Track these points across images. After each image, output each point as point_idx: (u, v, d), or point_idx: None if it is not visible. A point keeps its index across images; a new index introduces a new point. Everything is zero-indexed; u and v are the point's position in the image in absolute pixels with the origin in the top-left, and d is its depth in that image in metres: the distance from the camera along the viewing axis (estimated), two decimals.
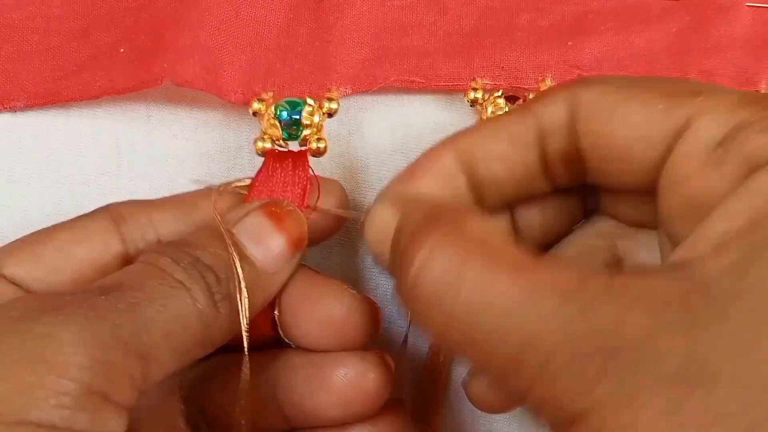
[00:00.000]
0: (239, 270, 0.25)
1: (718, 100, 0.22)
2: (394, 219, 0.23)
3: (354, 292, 0.28)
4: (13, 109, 0.32)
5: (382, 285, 0.33)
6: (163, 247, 0.25)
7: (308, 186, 0.29)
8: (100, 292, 0.23)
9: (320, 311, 0.27)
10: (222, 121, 0.33)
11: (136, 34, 0.31)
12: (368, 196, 0.33)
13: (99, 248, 0.26)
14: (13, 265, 0.25)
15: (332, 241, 0.33)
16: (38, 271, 0.25)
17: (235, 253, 0.25)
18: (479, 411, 0.32)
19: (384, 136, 0.33)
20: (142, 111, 0.33)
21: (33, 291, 0.25)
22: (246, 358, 0.26)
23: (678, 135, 0.23)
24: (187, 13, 0.31)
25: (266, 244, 0.26)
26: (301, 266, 0.28)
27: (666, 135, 0.23)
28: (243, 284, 0.25)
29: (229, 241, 0.25)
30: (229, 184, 0.29)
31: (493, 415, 0.33)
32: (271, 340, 0.28)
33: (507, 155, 0.26)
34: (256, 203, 0.27)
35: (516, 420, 0.33)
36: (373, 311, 0.28)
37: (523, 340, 0.19)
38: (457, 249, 0.21)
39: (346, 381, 0.27)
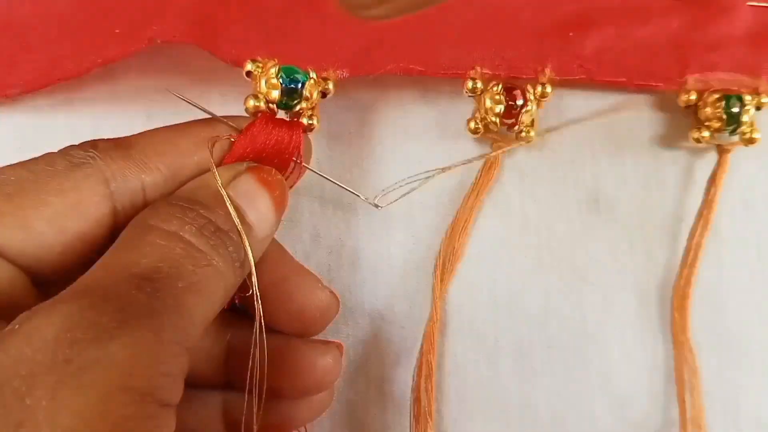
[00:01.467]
0: (245, 240, 0.25)
1: None
2: None
3: (327, 289, 0.28)
4: (8, 96, 0.32)
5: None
6: (180, 209, 0.24)
7: (297, 158, 0.28)
8: (147, 285, 0.21)
9: (292, 304, 0.28)
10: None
11: (133, 16, 0.31)
12: (370, 196, 0.33)
13: (91, 220, 0.24)
14: (1, 235, 0.23)
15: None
16: (28, 245, 0.23)
17: (240, 222, 0.25)
18: (478, 408, 0.31)
19: (385, 134, 0.33)
20: (142, 111, 0.33)
21: (19, 264, 0.23)
22: (262, 331, 0.26)
23: None
24: None
25: (259, 208, 0.26)
26: (277, 247, 0.28)
27: None
28: (251, 253, 0.25)
29: (233, 211, 0.25)
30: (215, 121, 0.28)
31: (491, 415, 0.32)
32: (230, 305, 0.28)
33: None
34: (244, 165, 0.27)
35: (514, 421, 0.33)
36: (336, 305, 0.29)
37: None
38: None
39: (303, 368, 0.28)
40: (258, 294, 0.25)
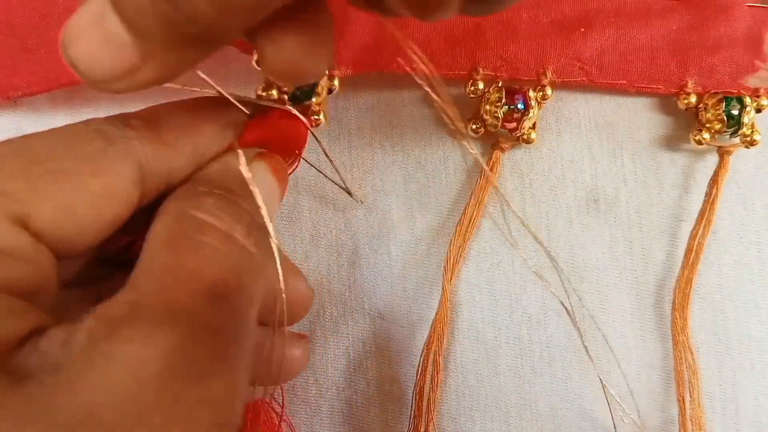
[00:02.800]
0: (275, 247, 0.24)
1: None
2: None
3: (306, 281, 0.28)
4: (11, 99, 0.32)
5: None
6: (221, 200, 0.23)
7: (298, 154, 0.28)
8: (221, 301, 0.20)
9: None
10: None
11: None
12: (370, 196, 0.33)
13: (123, 205, 0.23)
14: (42, 216, 0.21)
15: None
16: (68, 230, 0.21)
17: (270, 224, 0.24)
18: (479, 408, 0.31)
19: (385, 134, 0.34)
20: None
21: (55, 248, 0.22)
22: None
23: None
24: None
25: (270, 198, 0.25)
26: None
27: None
28: (277, 253, 0.24)
29: (261, 205, 0.24)
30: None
31: (492, 414, 0.32)
32: None
33: None
34: (256, 151, 0.26)
35: (514, 421, 0.33)
36: (313, 297, 0.29)
37: None
38: None
39: (275, 360, 0.27)
40: (283, 289, 0.25)
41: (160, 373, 0.18)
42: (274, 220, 0.26)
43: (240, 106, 0.26)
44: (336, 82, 0.30)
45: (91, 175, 0.22)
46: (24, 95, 0.32)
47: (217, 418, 0.18)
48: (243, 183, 0.24)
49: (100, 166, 0.22)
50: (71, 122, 0.33)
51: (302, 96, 0.29)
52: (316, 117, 0.29)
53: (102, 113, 0.33)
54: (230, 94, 0.26)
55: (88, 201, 0.21)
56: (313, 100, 0.29)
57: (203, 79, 0.26)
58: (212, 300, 0.20)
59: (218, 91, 0.26)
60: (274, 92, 0.29)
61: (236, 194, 0.23)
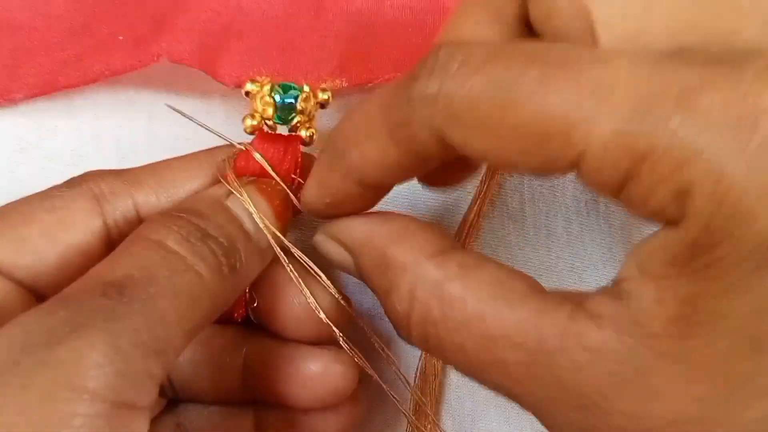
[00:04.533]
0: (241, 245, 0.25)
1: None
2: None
3: (332, 289, 0.28)
4: (12, 101, 0.32)
5: None
6: (170, 219, 0.25)
7: (296, 174, 0.29)
8: (114, 291, 0.22)
9: (296, 307, 0.28)
10: (223, 121, 0.33)
11: (136, 22, 0.31)
12: None
13: (83, 232, 0.26)
14: None
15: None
16: (24, 258, 0.25)
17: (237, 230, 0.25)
18: (479, 408, 0.31)
19: None
20: (144, 112, 0.34)
21: (15, 278, 0.24)
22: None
23: None
24: (188, 0, 0.31)
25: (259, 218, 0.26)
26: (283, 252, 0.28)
27: None
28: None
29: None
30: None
31: (492, 414, 0.33)
32: (243, 318, 0.29)
33: None
34: (245, 179, 0.27)
35: (514, 421, 0.33)
36: (347, 309, 0.29)
37: None
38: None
39: (316, 376, 0.28)
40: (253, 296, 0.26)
41: (9, 343, 0.20)
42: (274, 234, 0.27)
43: (231, 140, 0.29)
44: (327, 96, 0.31)
45: (43, 211, 0.25)
46: (25, 98, 0.32)
47: (64, 379, 0.19)
48: (211, 206, 0.26)
49: (53, 204, 0.26)
50: (69, 124, 0.33)
51: (286, 116, 0.30)
52: (306, 134, 0.30)
53: (102, 113, 0.33)
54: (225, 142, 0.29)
55: (38, 230, 0.25)
56: (299, 118, 0.30)
57: (187, 116, 0.30)
58: (101, 288, 0.22)
59: (205, 127, 0.29)
60: (257, 122, 0.29)
61: (190, 212, 0.25)
